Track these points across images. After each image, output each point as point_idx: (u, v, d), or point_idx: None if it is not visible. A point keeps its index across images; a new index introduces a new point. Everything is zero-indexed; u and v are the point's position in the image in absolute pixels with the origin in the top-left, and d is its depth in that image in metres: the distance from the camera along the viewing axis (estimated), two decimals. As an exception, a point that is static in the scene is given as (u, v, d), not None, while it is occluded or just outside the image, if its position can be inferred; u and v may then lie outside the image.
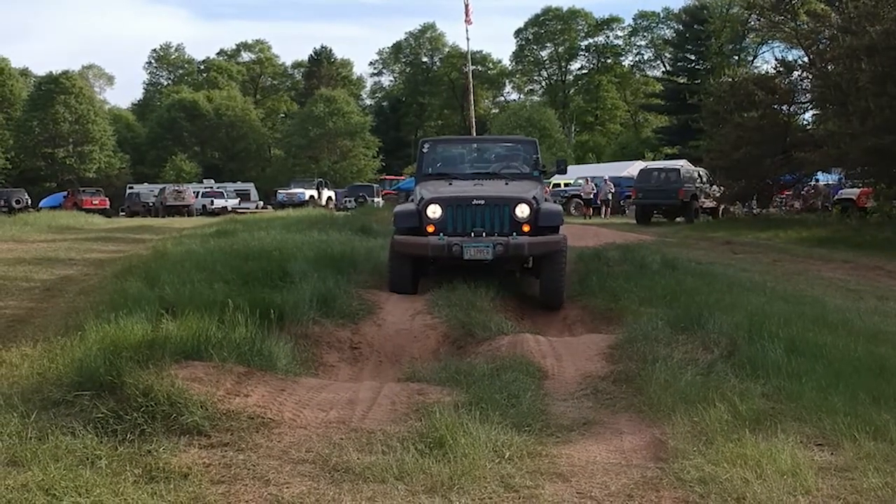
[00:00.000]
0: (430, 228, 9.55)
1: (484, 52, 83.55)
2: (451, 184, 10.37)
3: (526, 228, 9.51)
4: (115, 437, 4.57)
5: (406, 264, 9.72)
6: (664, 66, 73.94)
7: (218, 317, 6.79)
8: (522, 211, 9.53)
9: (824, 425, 4.89)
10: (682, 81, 64.01)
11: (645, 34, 79.50)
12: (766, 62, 64.16)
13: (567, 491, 4.16)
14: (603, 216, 33.82)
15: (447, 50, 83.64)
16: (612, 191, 35.82)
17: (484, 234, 9.47)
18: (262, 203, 53.15)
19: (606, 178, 36.91)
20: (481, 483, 4.15)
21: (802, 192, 32.65)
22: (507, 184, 10.36)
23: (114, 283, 9.67)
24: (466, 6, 33.23)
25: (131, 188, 55.25)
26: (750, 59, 66.23)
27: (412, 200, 10.53)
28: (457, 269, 9.82)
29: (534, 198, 9.77)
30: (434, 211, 9.57)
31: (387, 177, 33.94)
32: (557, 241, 9.58)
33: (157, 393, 4.93)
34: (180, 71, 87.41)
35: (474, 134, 35.99)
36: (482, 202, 9.57)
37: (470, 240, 9.39)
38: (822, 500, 4.03)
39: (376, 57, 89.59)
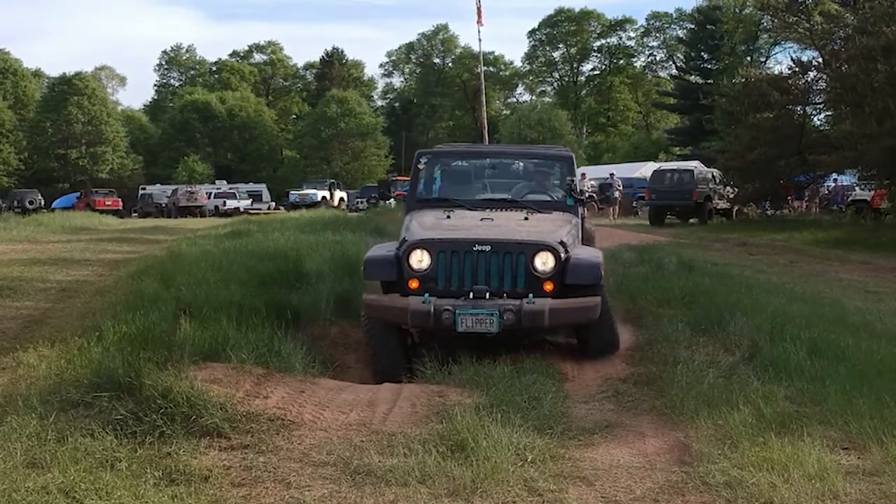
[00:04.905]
0: (414, 284, 6.78)
1: (496, 54, 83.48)
2: (449, 216, 7.65)
3: (548, 287, 6.74)
4: (134, 439, 4.55)
5: (391, 336, 7.01)
6: (676, 67, 73.71)
7: (235, 318, 6.79)
8: (544, 262, 6.78)
9: (850, 429, 4.84)
10: (694, 81, 63.81)
11: (657, 35, 79.28)
12: (778, 63, 63.85)
13: (591, 495, 4.12)
14: (611, 217, 31.51)
15: (459, 51, 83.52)
16: (620, 188, 33.39)
17: (488, 294, 6.66)
18: (274, 204, 53.19)
19: (613, 174, 34.85)
20: (504, 486, 4.12)
21: (790, 199, 32.21)
22: (527, 218, 7.61)
23: (130, 283, 9.66)
24: (479, 7, 33.06)
25: (144, 189, 55.39)
26: (763, 59, 65.95)
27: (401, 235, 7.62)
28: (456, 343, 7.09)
29: (561, 242, 6.97)
30: (420, 259, 6.83)
31: (399, 177, 33.94)
32: (592, 306, 6.67)
33: (177, 394, 4.91)
34: (192, 72, 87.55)
35: (485, 135, 35.29)
36: (487, 248, 6.79)
37: (467, 303, 6.58)
38: (851, 504, 3.97)
39: (387, 59, 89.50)
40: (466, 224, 7.39)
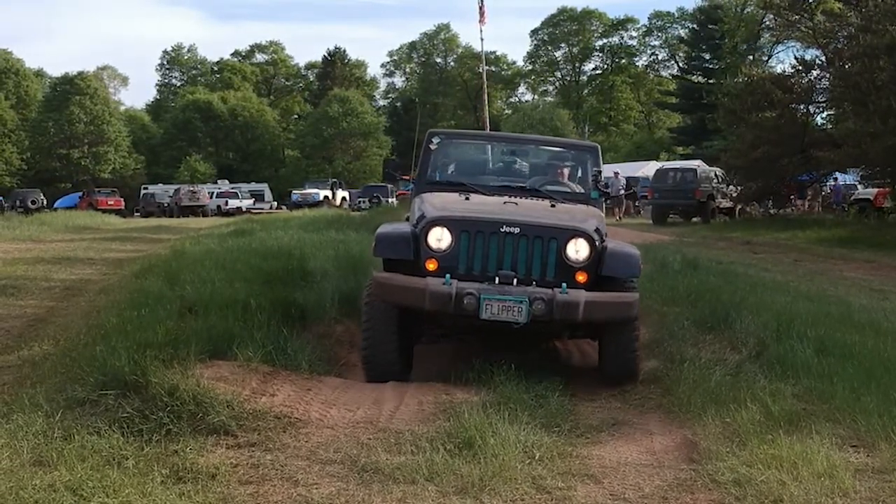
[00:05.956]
0: (432, 265, 6.13)
1: (498, 53, 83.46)
2: (468, 198, 6.91)
3: (581, 278, 6.11)
4: (141, 437, 4.53)
5: (391, 325, 6.23)
6: (678, 66, 73.78)
7: (241, 316, 6.78)
8: (578, 250, 6.16)
9: (858, 426, 4.82)
10: (696, 80, 63.85)
11: (659, 34, 79.22)
12: (781, 62, 63.97)
13: (600, 492, 4.11)
14: (616, 217, 30.76)
15: (461, 50, 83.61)
16: (624, 187, 32.59)
17: (515, 280, 6.05)
18: (276, 203, 53.21)
19: (617, 173, 33.44)
20: (512, 484, 4.10)
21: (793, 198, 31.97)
22: (553, 206, 6.93)
23: (134, 282, 9.65)
24: (481, 7, 33.02)
25: (146, 189, 55.45)
26: (765, 58, 65.91)
27: (408, 219, 7.22)
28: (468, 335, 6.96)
29: (596, 230, 6.40)
30: (439, 238, 6.17)
31: (403, 176, 33.88)
32: (630, 301, 6.11)
33: (183, 392, 4.90)
34: (193, 72, 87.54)
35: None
36: (516, 230, 6.15)
37: (492, 288, 5.96)
38: (861, 502, 3.96)
39: (388, 58, 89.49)
40: (489, 205, 6.71)
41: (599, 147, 8.19)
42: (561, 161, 8.42)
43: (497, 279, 6.04)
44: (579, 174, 7.95)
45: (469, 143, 9.14)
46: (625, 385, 6.22)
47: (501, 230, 6.15)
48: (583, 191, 7.63)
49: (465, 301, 5.82)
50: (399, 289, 6.01)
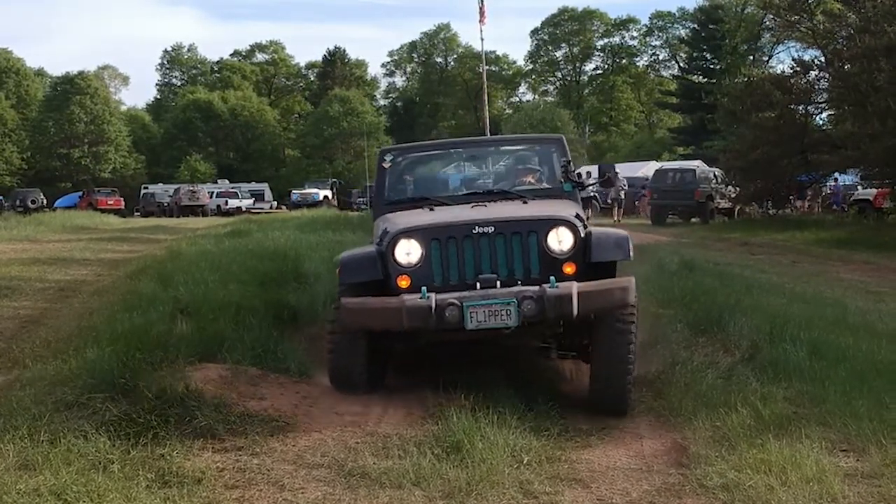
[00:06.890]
0: (404, 282, 5.58)
1: (498, 53, 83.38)
2: (432, 209, 6.49)
3: (569, 269, 5.58)
4: (127, 441, 4.51)
5: (358, 346, 5.76)
6: (679, 66, 73.77)
7: (233, 318, 6.76)
8: (561, 240, 5.65)
9: (849, 430, 4.80)
10: (696, 81, 63.87)
11: (660, 34, 79.20)
12: (781, 62, 63.88)
13: (587, 497, 4.11)
14: (615, 218, 30.67)
15: (461, 50, 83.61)
16: (625, 187, 31.95)
17: (498, 283, 5.52)
18: (276, 203, 53.19)
19: (618, 173, 33.02)
20: (500, 489, 4.10)
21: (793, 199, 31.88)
22: (525, 203, 6.54)
23: (128, 283, 9.67)
24: (481, 7, 32.97)
25: (146, 188, 55.41)
26: (765, 59, 65.91)
27: (372, 242, 6.45)
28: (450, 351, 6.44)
29: (576, 216, 5.95)
30: (408, 250, 5.66)
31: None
32: (626, 286, 5.44)
33: (171, 395, 4.91)
34: (193, 71, 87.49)
35: (488, 135, 35.05)
36: (490, 229, 5.64)
37: (475, 294, 5.42)
38: (849, 508, 3.94)
39: (388, 58, 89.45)
40: (457, 211, 6.23)
41: (564, 137, 7.63)
42: (527, 158, 7.80)
43: (478, 285, 5.52)
44: (547, 169, 7.38)
45: (425, 154, 8.32)
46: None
47: (475, 231, 5.64)
48: (551, 186, 7.06)
49: (446, 313, 5.28)
50: (372, 312, 5.47)
